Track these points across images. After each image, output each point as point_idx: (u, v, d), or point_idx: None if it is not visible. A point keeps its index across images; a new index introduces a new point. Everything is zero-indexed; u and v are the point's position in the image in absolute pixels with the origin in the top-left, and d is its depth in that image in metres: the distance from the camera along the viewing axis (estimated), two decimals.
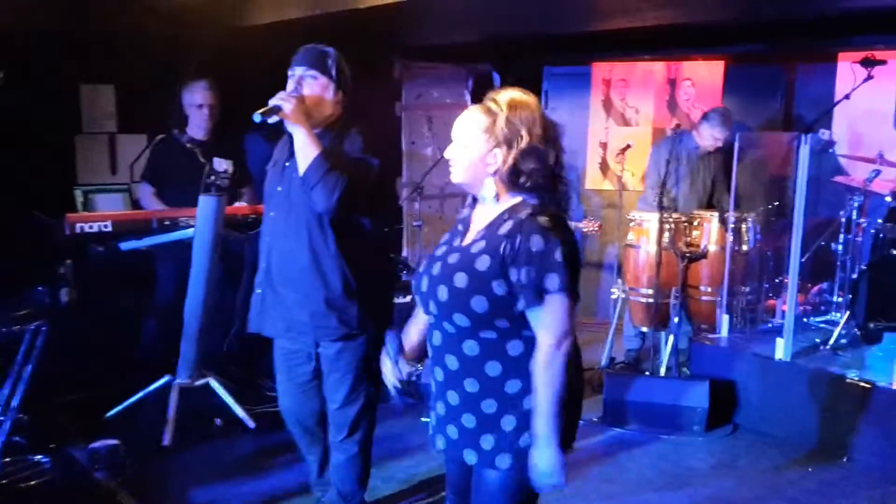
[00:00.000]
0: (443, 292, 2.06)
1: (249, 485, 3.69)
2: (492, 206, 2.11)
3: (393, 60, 6.47)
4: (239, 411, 4.21)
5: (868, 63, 4.58)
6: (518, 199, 2.07)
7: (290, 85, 2.97)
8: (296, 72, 2.99)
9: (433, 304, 2.11)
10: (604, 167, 6.62)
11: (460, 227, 2.22)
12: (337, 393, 3.08)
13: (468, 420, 2.12)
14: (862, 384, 4.01)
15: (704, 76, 6.30)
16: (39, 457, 3.70)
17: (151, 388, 4.22)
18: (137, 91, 4.98)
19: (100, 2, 4.65)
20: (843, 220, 4.95)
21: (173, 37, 4.99)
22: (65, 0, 4.51)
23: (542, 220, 1.98)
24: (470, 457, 2.14)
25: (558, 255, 1.95)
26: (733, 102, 6.25)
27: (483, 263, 2.02)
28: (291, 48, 5.54)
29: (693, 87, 6.31)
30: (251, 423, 4.19)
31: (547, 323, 2.00)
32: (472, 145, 2.07)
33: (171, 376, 4.16)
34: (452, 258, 2.10)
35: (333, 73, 3.02)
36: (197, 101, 4.56)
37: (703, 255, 4.87)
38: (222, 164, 4.52)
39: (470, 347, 2.07)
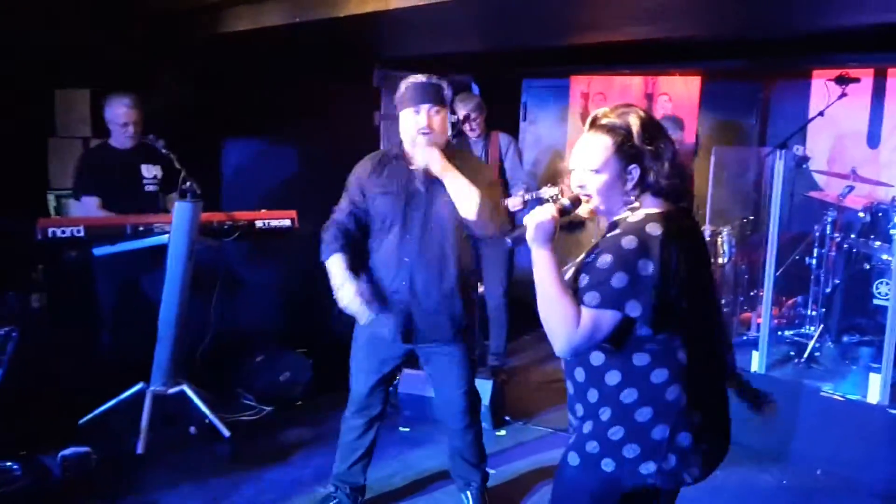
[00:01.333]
0: None
1: (224, 493, 3.64)
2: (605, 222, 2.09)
3: (372, 69, 6.48)
4: (214, 419, 4.15)
5: (842, 80, 4.65)
6: (644, 208, 2.03)
7: (422, 121, 3.12)
8: (422, 110, 3.13)
9: None
10: None
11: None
12: (464, 380, 3.30)
13: (586, 426, 2.08)
14: (836, 397, 4.05)
15: (681, 91, 6.37)
16: (9, 463, 3.62)
17: (125, 395, 4.16)
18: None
19: (77, 6, 4.62)
20: (818, 234, 5.01)
21: (151, 41, 4.97)
22: (42, 4, 4.47)
23: (628, 239, 1.93)
24: (573, 459, 2.10)
25: (635, 278, 1.89)
26: (709, 118, 6.34)
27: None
28: (270, 55, 5.56)
29: (670, 102, 6.38)
30: (226, 432, 4.14)
31: (590, 319, 1.92)
32: (605, 169, 2.02)
33: (145, 383, 4.11)
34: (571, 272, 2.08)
35: (448, 102, 3.25)
36: (120, 120, 4.40)
37: None
38: (151, 171, 4.51)
39: (596, 357, 2.03)
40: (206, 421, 4.16)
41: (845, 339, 4.59)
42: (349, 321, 3.24)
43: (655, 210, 2.01)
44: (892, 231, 4.53)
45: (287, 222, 4.55)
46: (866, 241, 4.74)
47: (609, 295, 1.91)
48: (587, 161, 2.03)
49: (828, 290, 4.85)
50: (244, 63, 5.36)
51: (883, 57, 5.40)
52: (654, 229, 1.93)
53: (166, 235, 3.99)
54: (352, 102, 6.18)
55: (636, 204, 2.04)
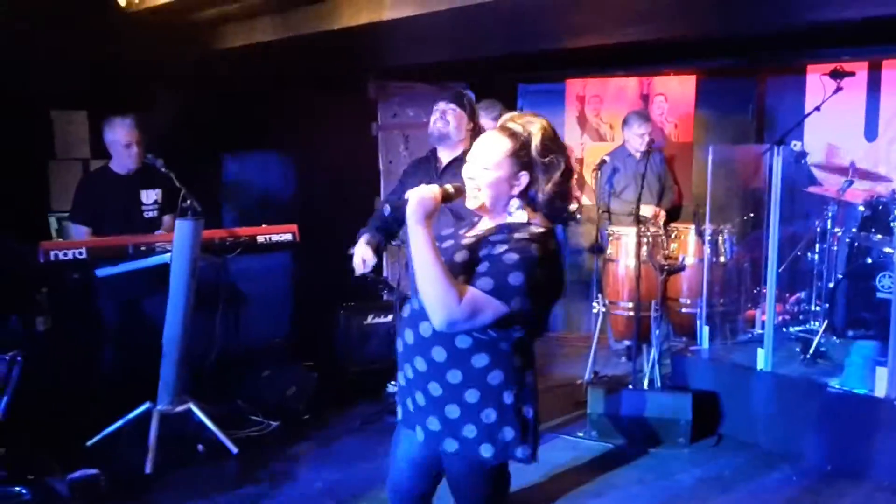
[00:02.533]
0: None
1: None
2: (494, 219, 2.18)
3: (368, 80, 6.49)
4: (221, 436, 4.15)
5: (837, 75, 4.67)
6: (524, 218, 2.14)
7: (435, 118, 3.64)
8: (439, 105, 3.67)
9: (416, 300, 2.17)
10: (580, 182, 6.65)
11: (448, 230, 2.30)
12: None
13: (451, 411, 2.16)
14: (842, 392, 4.04)
15: (677, 91, 6.37)
16: (18, 488, 3.61)
17: (131, 415, 4.15)
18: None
19: (73, 27, 4.63)
20: (818, 229, 5.01)
21: (145, 60, 4.98)
22: (39, 25, 4.48)
23: (535, 248, 2.05)
24: (451, 445, 2.19)
25: (529, 278, 2.02)
26: (706, 116, 6.34)
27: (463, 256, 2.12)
28: (266, 69, 5.57)
29: (666, 102, 6.38)
30: (234, 448, 4.13)
31: (478, 299, 2.02)
32: (496, 168, 2.12)
33: (151, 403, 4.11)
34: (447, 243, 2.20)
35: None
36: (123, 140, 4.36)
37: (682, 268, 4.91)
38: (150, 196, 4.50)
39: (462, 339, 2.11)
40: (214, 438, 4.15)
41: (850, 333, 4.58)
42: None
43: (547, 225, 2.15)
44: (892, 224, 4.52)
45: (288, 236, 4.56)
46: (867, 234, 4.73)
47: (502, 287, 2.02)
48: (482, 157, 2.15)
49: (830, 284, 4.84)
50: (240, 78, 5.36)
51: (877, 49, 5.40)
52: (551, 244, 2.11)
53: (168, 254, 4.00)
54: (349, 114, 6.18)
55: (525, 213, 2.15)
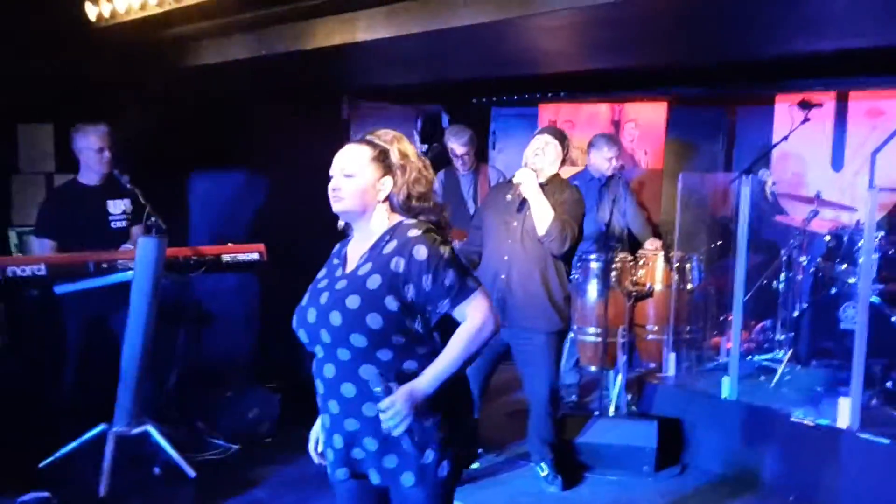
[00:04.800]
0: (336, 317, 2.12)
1: None
2: (369, 232, 2.23)
3: (341, 100, 6.47)
4: (179, 459, 4.06)
5: (805, 105, 4.72)
6: (397, 219, 2.23)
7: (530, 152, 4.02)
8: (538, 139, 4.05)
9: (325, 333, 2.15)
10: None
11: (336, 262, 2.31)
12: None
13: (370, 444, 2.17)
14: (806, 422, 4.05)
15: (648, 117, 6.42)
16: None
17: (86, 436, 4.06)
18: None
19: (42, 40, 4.58)
20: (785, 258, 5.04)
21: (115, 75, 4.94)
22: (7, 38, 4.42)
23: (422, 233, 2.15)
24: (374, 476, 2.20)
25: (446, 256, 2.14)
26: (676, 144, 6.38)
27: (374, 282, 2.13)
28: (238, 87, 5.54)
29: (637, 129, 6.42)
30: (191, 472, 4.04)
31: (473, 308, 2.16)
32: (361, 175, 2.20)
33: (107, 424, 4.02)
34: (340, 285, 2.18)
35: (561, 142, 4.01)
36: (94, 145, 4.30)
37: (649, 294, 4.91)
38: (118, 206, 4.44)
39: (366, 371, 2.11)
40: (171, 461, 4.06)
41: (814, 363, 4.60)
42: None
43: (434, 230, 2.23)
44: (857, 254, 4.57)
45: (255, 255, 4.49)
46: (832, 264, 4.77)
47: (458, 289, 2.15)
48: (343, 166, 2.22)
49: (795, 314, 4.87)
50: (211, 96, 5.33)
51: (844, 81, 5.49)
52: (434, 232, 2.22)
53: (130, 272, 3.93)
54: (321, 134, 6.12)
55: (392, 216, 2.23)
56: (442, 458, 2.16)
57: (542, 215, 3.81)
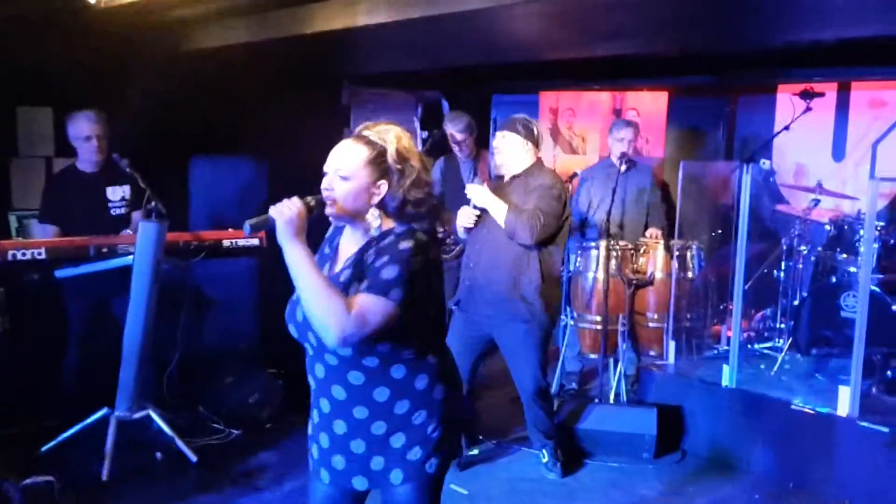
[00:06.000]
0: None
1: None
2: (360, 232, 2.16)
3: (342, 86, 6.45)
4: (180, 444, 4.06)
5: (806, 95, 4.70)
6: (389, 225, 2.14)
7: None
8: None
9: (312, 336, 2.11)
10: None
11: (327, 250, 2.27)
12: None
13: (357, 446, 2.15)
14: (806, 410, 4.07)
15: (649, 106, 6.41)
16: None
17: (88, 420, 4.06)
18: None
19: (42, 23, 4.54)
20: (785, 247, 5.05)
21: (114, 58, 4.91)
22: (5, 20, 4.39)
23: (411, 246, 2.05)
24: (359, 483, 2.18)
25: (408, 259, 2.02)
26: (677, 132, 6.38)
27: (353, 290, 2.06)
28: (238, 72, 5.51)
29: (638, 117, 6.41)
30: (193, 457, 4.05)
31: (365, 305, 1.99)
32: (356, 178, 2.10)
33: (109, 408, 4.02)
34: None
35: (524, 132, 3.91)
36: (83, 133, 4.30)
37: (650, 282, 4.92)
38: (118, 192, 4.43)
39: (355, 377, 2.10)
40: (173, 446, 4.07)
41: (814, 351, 4.62)
42: None
43: (420, 231, 2.13)
44: (857, 244, 4.58)
45: (255, 241, 4.49)
46: (833, 253, 4.78)
47: (378, 284, 2.01)
48: (338, 166, 2.12)
49: (795, 302, 4.88)
50: (211, 80, 5.30)
51: (846, 71, 5.48)
52: (421, 239, 2.10)
53: (131, 256, 3.92)
54: (321, 119, 6.13)
55: (385, 221, 2.14)
56: (430, 455, 2.15)
57: (498, 215, 3.81)
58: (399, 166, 2.11)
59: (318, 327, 1.99)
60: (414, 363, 2.13)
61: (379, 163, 2.10)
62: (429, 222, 2.17)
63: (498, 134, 3.98)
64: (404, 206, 2.12)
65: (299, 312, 2.14)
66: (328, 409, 2.19)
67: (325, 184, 2.14)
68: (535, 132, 3.97)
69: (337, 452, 2.19)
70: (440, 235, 4.51)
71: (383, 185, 2.11)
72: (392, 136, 2.13)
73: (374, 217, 2.12)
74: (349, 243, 2.20)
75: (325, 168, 2.15)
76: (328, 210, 2.13)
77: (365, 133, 2.15)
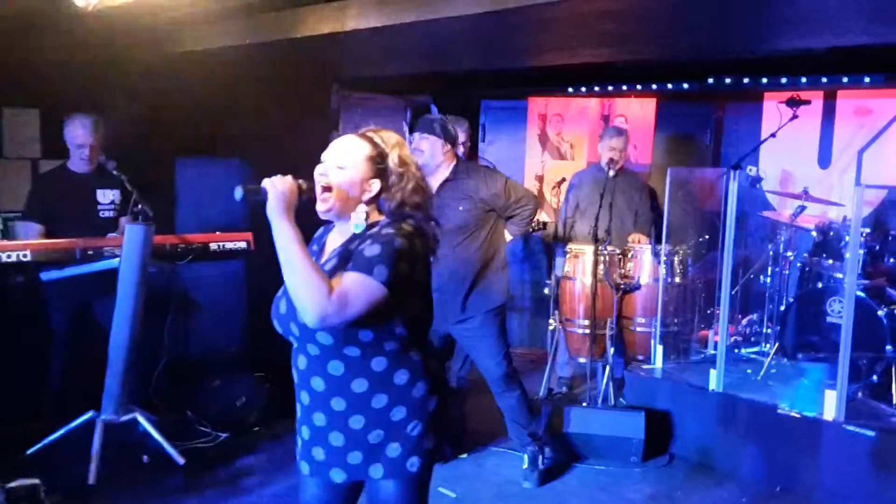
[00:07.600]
0: None
1: None
2: (347, 228, 2.17)
3: (330, 90, 6.44)
4: (167, 447, 4.04)
5: (793, 103, 4.74)
6: (379, 218, 2.17)
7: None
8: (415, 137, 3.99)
9: (294, 326, 2.13)
10: (540, 200, 6.67)
11: (315, 248, 2.28)
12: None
13: (335, 438, 2.15)
14: (793, 414, 4.09)
15: (637, 113, 6.44)
16: None
17: (74, 423, 4.02)
18: (63, 116, 4.81)
19: (29, 24, 4.52)
20: (771, 253, 5.08)
21: (102, 61, 4.89)
22: None
23: (389, 229, 2.07)
24: (337, 475, 2.18)
25: (396, 243, 2.03)
26: (665, 139, 6.41)
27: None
28: (226, 75, 5.50)
29: (626, 123, 6.44)
30: (180, 460, 4.01)
31: (348, 285, 1.99)
32: (352, 168, 2.13)
33: (96, 411, 3.99)
34: None
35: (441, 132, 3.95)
36: (76, 140, 4.33)
37: (637, 287, 4.94)
38: (108, 195, 4.42)
39: (335, 367, 2.11)
40: (160, 449, 4.04)
41: (800, 356, 4.65)
42: None
43: (410, 224, 2.14)
44: (843, 250, 4.61)
45: (242, 244, 4.47)
46: (819, 259, 4.81)
47: (360, 263, 2.01)
48: (337, 157, 2.15)
49: (782, 308, 4.91)
50: (200, 83, 5.29)
51: (832, 80, 5.53)
52: (407, 229, 2.10)
53: (117, 259, 3.90)
54: (310, 123, 6.12)
55: (370, 215, 2.16)
56: (410, 452, 2.14)
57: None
58: (401, 170, 2.15)
59: (299, 307, 1.99)
60: (396, 357, 2.12)
61: (377, 162, 2.14)
62: (421, 221, 2.17)
63: (416, 135, 3.99)
64: (402, 208, 2.15)
65: (283, 305, 2.15)
66: (308, 401, 2.20)
67: (319, 170, 2.15)
68: (452, 131, 4.04)
69: (317, 444, 2.20)
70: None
71: (375, 184, 2.14)
72: (394, 140, 2.19)
73: (361, 212, 2.14)
74: (337, 236, 2.23)
75: (323, 157, 2.17)
76: (319, 206, 2.14)
77: (369, 133, 2.19)
